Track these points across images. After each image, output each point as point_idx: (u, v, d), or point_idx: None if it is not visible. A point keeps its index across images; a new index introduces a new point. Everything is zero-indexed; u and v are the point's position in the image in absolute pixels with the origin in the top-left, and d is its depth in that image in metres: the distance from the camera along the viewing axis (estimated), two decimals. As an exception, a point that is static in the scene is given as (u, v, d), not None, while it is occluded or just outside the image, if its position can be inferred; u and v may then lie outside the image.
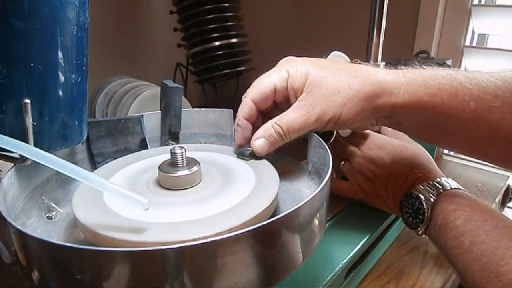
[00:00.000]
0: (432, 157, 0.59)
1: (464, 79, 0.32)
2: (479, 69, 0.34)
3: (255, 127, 0.35)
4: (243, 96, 0.35)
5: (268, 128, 0.33)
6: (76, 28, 0.28)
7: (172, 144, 0.41)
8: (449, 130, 0.33)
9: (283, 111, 0.33)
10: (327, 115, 0.32)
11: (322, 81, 0.32)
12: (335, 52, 0.43)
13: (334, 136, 0.43)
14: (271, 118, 0.33)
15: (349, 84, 0.32)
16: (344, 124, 0.33)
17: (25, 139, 0.27)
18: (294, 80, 0.33)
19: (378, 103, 0.32)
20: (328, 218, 0.38)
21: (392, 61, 0.54)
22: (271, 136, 0.33)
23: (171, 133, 0.41)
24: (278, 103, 0.35)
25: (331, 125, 0.33)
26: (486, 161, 0.36)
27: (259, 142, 0.33)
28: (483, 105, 0.31)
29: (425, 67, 0.34)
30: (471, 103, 0.31)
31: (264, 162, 0.34)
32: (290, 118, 0.32)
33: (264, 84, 0.34)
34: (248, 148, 0.35)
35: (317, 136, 0.35)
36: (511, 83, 0.31)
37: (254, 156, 0.34)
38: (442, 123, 0.33)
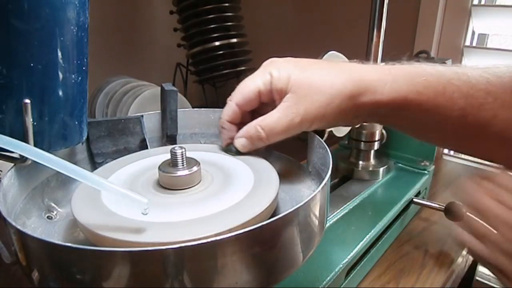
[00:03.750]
0: (432, 157, 0.59)
1: (453, 75, 0.31)
2: (480, 65, 0.33)
3: (243, 124, 0.35)
4: (228, 99, 0.35)
5: (250, 130, 0.33)
6: (76, 28, 0.28)
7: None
8: (436, 127, 0.33)
9: (272, 108, 0.33)
10: (311, 115, 0.31)
11: (305, 82, 0.32)
12: (331, 53, 0.44)
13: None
14: (261, 115, 0.33)
15: (332, 83, 0.32)
16: (329, 123, 0.33)
17: (25, 139, 0.27)
18: (277, 82, 0.32)
19: (361, 101, 0.32)
20: (328, 218, 0.38)
21: (392, 62, 0.54)
22: (251, 138, 0.33)
23: (168, 136, 0.41)
24: (266, 103, 0.35)
25: (315, 125, 0.33)
26: (478, 158, 0.36)
27: (241, 141, 0.34)
28: (473, 102, 0.30)
29: (413, 63, 0.33)
30: (459, 101, 0.30)
31: (264, 162, 0.34)
32: (274, 120, 0.32)
33: (248, 88, 0.34)
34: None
35: (317, 136, 0.35)
36: (505, 79, 0.30)
37: (239, 152, 0.35)
38: (429, 121, 0.32)
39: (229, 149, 0.36)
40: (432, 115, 0.32)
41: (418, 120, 0.33)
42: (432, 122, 0.32)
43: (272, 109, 0.33)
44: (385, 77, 0.32)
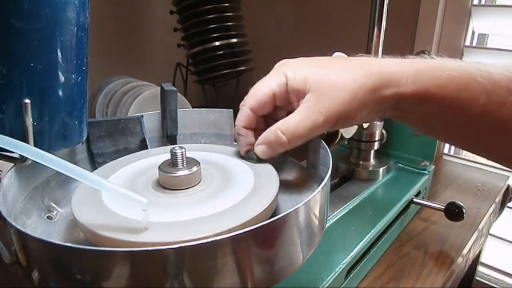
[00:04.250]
0: (432, 157, 0.59)
1: (475, 71, 0.30)
2: (501, 63, 0.32)
3: (258, 130, 0.34)
4: (241, 104, 0.34)
5: (270, 135, 0.31)
6: (76, 28, 0.28)
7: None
8: (456, 123, 0.32)
9: (286, 112, 0.32)
10: (335, 113, 0.30)
11: (323, 80, 0.31)
12: (336, 54, 0.43)
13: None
14: (275, 120, 0.32)
15: (353, 78, 0.30)
16: (354, 120, 0.32)
17: (25, 139, 0.27)
18: (293, 83, 0.31)
19: (385, 94, 0.31)
20: (328, 218, 0.38)
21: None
22: (271, 144, 0.32)
23: (168, 136, 0.41)
24: (280, 107, 0.34)
25: (340, 124, 0.31)
26: (490, 159, 0.35)
27: (261, 148, 0.32)
28: (495, 99, 0.30)
29: (435, 57, 0.33)
30: (481, 97, 0.30)
31: (265, 163, 0.34)
32: (295, 122, 0.30)
33: (262, 91, 0.32)
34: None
35: (317, 136, 0.35)
36: None
37: (260, 159, 0.33)
38: (449, 116, 0.32)
39: (249, 156, 0.34)
40: (453, 111, 0.31)
41: (438, 115, 0.32)
42: (453, 118, 0.32)
43: (286, 114, 0.32)
44: (407, 70, 0.31)
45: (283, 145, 0.31)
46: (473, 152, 0.36)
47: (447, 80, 0.30)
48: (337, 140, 0.42)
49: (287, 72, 0.32)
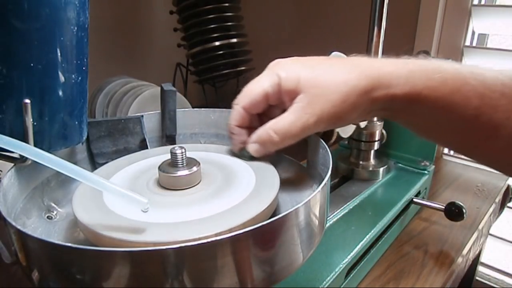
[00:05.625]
0: (432, 157, 0.59)
1: (469, 74, 0.30)
2: (496, 67, 0.32)
3: (252, 128, 0.34)
4: (234, 103, 0.34)
5: (262, 134, 0.32)
6: (76, 28, 0.28)
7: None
8: (449, 126, 0.32)
9: (281, 110, 0.32)
10: (326, 114, 0.30)
11: (316, 80, 0.31)
12: (334, 53, 0.43)
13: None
14: (269, 118, 0.32)
15: (345, 80, 0.31)
16: (345, 121, 0.32)
17: (25, 139, 0.27)
18: (286, 84, 0.31)
19: (375, 95, 0.31)
20: (328, 218, 0.38)
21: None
22: (264, 143, 0.32)
23: (167, 136, 0.41)
24: (274, 105, 0.34)
25: (331, 125, 0.32)
26: (483, 163, 0.35)
27: (254, 146, 0.33)
28: (488, 102, 0.30)
29: (429, 59, 0.33)
30: (474, 100, 0.30)
31: (264, 162, 0.34)
32: (287, 123, 0.31)
33: (254, 91, 0.33)
34: None
35: (317, 136, 0.35)
36: None
37: (253, 156, 0.34)
38: (442, 118, 0.32)
39: (242, 154, 0.35)
40: (445, 113, 0.31)
41: (431, 117, 0.32)
42: (445, 120, 0.32)
43: (281, 112, 0.32)
44: (400, 71, 0.31)
45: (275, 144, 0.32)
46: (465, 155, 0.36)
47: (440, 82, 0.30)
48: (333, 139, 0.42)
49: (280, 72, 0.32)
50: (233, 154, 0.36)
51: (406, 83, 0.31)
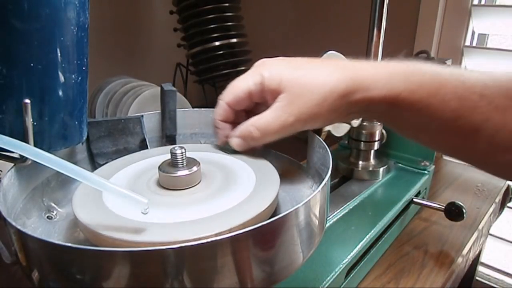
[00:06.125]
0: (432, 157, 0.59)
1: (449, 76, 0.31)
2: (479, 69, 0.32)
3: (236, 123, 0.35)
4: (219, 98, 0.35)
5: (244, 130, 0.33)
6: (76, 28, 0.28)
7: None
8: (427, 128, 0.32)
9: (265, 108, 0.33)
10: (305, 115, 0.31)
11: (297, 81, 0.32)
12: (330, 52, 0.43)
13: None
14: (255, 114, 0.33)
15: (324, 82, 0.31)
16: (323, 122, 0.33)
17: (25, 139, 0.27)
18: (269, 83, 0.32)
19: (353, 98, 0.32)
20: (328, 218, 0.38)
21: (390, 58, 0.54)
22: (245, 138, 0.33)
23: (167, 136, 0.41)
24: (259, 102, 0.35)
25: (310, 125, 0.33)
26: (468, 163, 0.35)
27: (236, 140, 0.34)
28: (466, 104, 0.30)
29: (412, 60, 0.33)
30: (452, 102, 0.30)
31: (265, 162, 0.34)
32: (267, 120, 0.32)
33: (238, 88, 0.34)
34: None
35: (317, 136, 0.35)
36: (501, 82, 0.30)
37: (235, 150, 0.35)
38: (420, 121, 0.32)
39: (226, 148, 0.36)
40: (424, 115, 0.31)
41: (410, 120, 0.32)
42: (424, 123, 0.32)
43: (266, 109, 0.33)
44: (380, 75, 0.32)
45: (256, 140, 0.33)
46: (452, 157, 0.36)
47: (418, 85, 0.31)
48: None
49: (264, 72, 0.33)
50: (217, 147, 0.37)
51: (384, 86, 0.31)
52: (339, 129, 0.50)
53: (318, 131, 0.42)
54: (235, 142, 0.34)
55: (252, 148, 0.35)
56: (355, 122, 0.54)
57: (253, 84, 0.33)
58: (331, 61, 0.34)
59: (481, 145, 0.31)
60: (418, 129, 0.34)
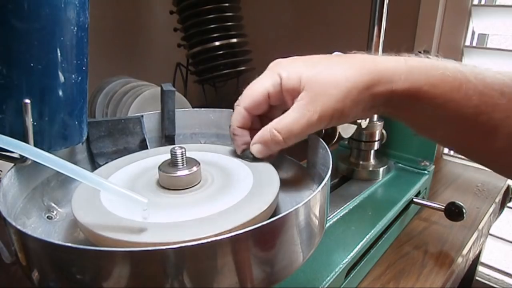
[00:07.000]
0: (432, 157, 0.59)
1: (469, 73, 0.30)
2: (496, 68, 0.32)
3: (254, 130, 0.34)
4: (236, 104, 0.34)
5: (265, 134, 0.32)
6: (76, 28, 0.28)
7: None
8: (448, 123, 0.32)
9: (281, 111, 0.32)
10: (329, 111, 0.30)
11: (317, 78, 0.31)
12: (336, 53, 0.43)
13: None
14: (270, 119, 0.32)
15: (347, 76, 0.31)
16: (348, 117, 0.32)
17: (25, 139, 0.27)
18: (287, 83, 0.31)
19: (377, 91, 0.31)
20: (328, 218, 0.38)
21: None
22: (267, 143, 0.32)
23: (166, 137, 0.41)
24: (275, 106, 0.34)
25: (334, 121, 0.32)
26: (482, 163, 0.35)
27: (257, 147, 0.33)
28: (487, 101, 0.29)
29: (430, 56, 0.33)
30: (474, 98, 0.30)
31: (264, 162, 0.34)
32: (290, 121, 0.31)
33: (256, 91, 0.33)
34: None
35: (317, 136, 0.35)
36: None
37: (256, 158, 0.34)
38: (441, 116, 0.31)
39: (245, 155, 0.34)
40: (445, 110, 0.31)
41: (430, 114, 0.32)
42: (444, 118, 0.31)
43: (282, 113, 0.32)
44: (401, 67, 0.31)
45: (279, 144, 0.31)
46: (464, 155, 0.36)
47: (440, 79, 0.30)
48: (335, 139, 0.42)
49: (281, 72, 0.32)
50: (236, 155, 0.35)
51: (406, 79, 0.31)
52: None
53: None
54: (256, 149, 0.33)
55: (269, 156, 0.33)
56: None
57: (271, 86, 0.32)
58: (346, 56, 0.34)
59: (499, 142, 0.30)
60: (436, 125, 0.33)
